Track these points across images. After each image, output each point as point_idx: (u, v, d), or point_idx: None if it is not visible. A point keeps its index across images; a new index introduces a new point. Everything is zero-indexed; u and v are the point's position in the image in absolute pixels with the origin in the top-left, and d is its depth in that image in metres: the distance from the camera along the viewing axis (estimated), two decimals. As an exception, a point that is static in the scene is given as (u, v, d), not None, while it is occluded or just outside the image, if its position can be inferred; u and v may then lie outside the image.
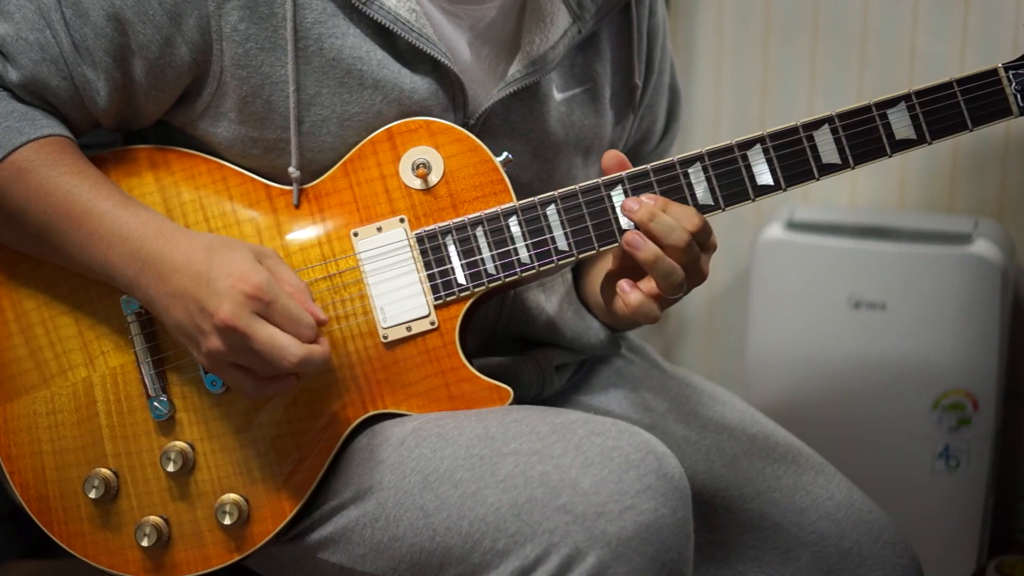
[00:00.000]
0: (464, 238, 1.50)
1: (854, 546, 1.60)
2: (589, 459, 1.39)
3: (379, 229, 1.51)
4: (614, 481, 1.37)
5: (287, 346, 1.39)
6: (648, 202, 1.46)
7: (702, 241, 1.48)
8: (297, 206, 1.53)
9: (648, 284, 1.47)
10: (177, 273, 1.43)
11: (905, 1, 2.59)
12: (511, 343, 1.68)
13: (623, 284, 1.48)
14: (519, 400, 1.54)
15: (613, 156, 1.50)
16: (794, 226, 2.55)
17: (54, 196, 1.48)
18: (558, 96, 1.61)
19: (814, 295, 2.53)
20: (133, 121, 1.57)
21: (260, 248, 1.46)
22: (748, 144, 1.48)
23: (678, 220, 1.46)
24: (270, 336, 1.39)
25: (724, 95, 2.75)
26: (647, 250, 1.45)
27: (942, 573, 2.51)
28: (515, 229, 1.50)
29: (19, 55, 1.49)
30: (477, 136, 1.52)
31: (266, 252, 1.46)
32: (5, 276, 1.56)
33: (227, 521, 1.52)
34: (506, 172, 1.51)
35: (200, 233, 1.49)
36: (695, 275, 1.48)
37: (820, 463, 1.69)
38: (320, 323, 1.43)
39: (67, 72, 1.50)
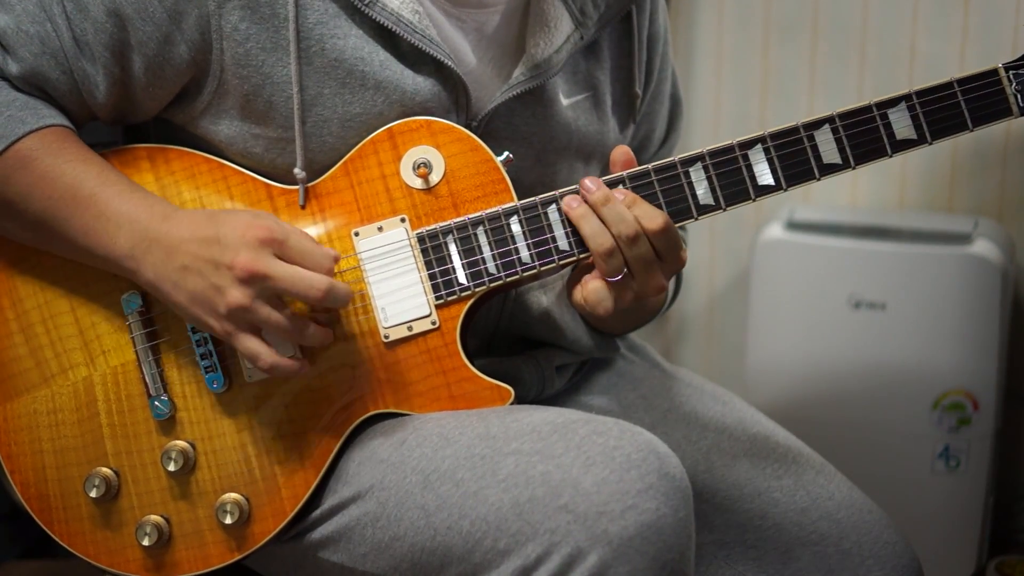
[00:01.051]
0: (465, 237, 1.50)
1: (854, 546, 1.60)
2: (591, 459, 1.39)
3: (380, 229, 1.52)
4: (615, 481, 1.36)
5: (311, 277, 1.40)
6: (607, 189, 1.48)
7: (661, 247, 1.47)
8: (303, 207, 1.53)
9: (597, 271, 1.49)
10: (185, 243, 1.43)
11: (905, 1, 2.59)
12: (512, 343, 1.68)
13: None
14: (519, 401, 1.54)
15: (622, 152, 1.50)
16: (794, 226, 2.55)
17: (60, 182, 1.48)
18: (565, 101, 1.61)
19: (814, 295, 2.53)
20: (131, 116, 1.57)
21: (256, 211, 1.48)
22: (749, 144, 1.48)
23: (638, 216, 1.46)
24: (294, 271, 1.40)
25: (724, 95, 2.75)
26: (586, 217, 1.47)
27: (942, 573, 2.52)
28: (516, 228, 1.50)
29: (19, 47, 1.50)
30: (480, 139, 1.52)
31: (263, 212, 1.47)
32: (5, 275, 1.56)
33: (228, 520, 1.52)
34: (508, 174, 1.51)
35: (202, 209, 1.50)
36: (646, 282, 1.48)
37: (820, 463, 1.69)
38: (334, 259, 1.44)
39: (67, 66, 1.50)
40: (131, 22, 1.48)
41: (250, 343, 1.45)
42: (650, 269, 1.48)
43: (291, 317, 1.44)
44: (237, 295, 1.41)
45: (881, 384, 2.51)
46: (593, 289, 1.50)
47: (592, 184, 1.48)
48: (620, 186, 1.49)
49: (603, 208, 1.46)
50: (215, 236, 1.42)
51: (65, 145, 1.50)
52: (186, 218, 1.46)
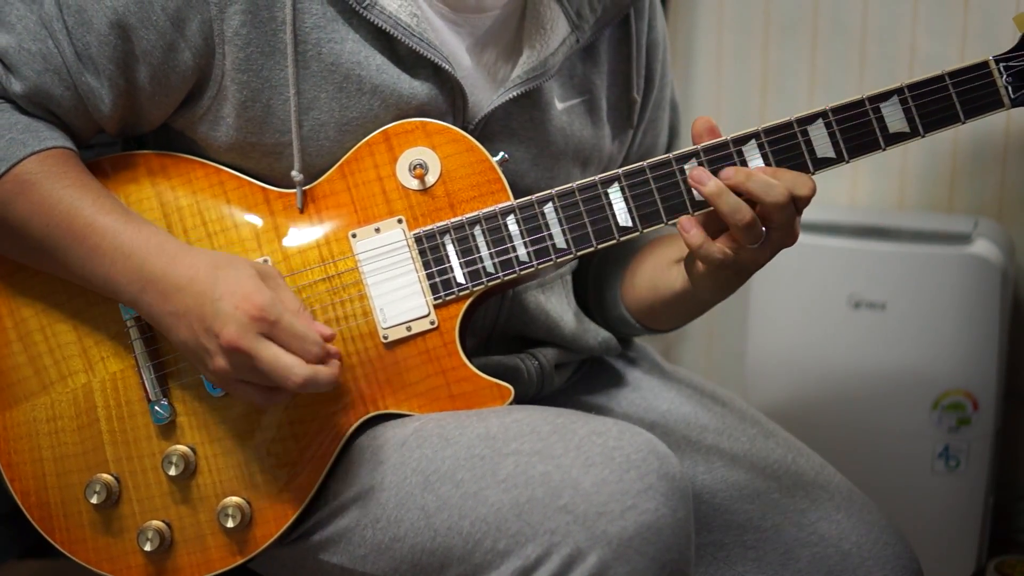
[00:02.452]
0: (462, 237, 1.51)
1: (854, 546, 1.60)
2: (590, 459, 1.39)
3: (377, 230, 1.52)
4: (615, 481, 1.36)
5: (291, 366, 1.39)
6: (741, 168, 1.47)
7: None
8: (301, 210, 1.53)
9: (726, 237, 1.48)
10: (180, 292, 1.43)
11: (905, 1, 2.59)
12: (510, 342, 1.68)
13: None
14: (518, 398, 1.54)
15: (704, 122, 1.50)
16: (794, 226, 2.55)
17: (57, 210, 1.48)
18: (559, 106, 1.61)
19: (814, 295, 2.53)
20: (137, 126, 1.57)
21: (263, 268, 1.46)
22: (743, 140, 1.48)
23: (781, 181, 1.46)
24: (275, 357, 1.39)
25: (724, 95, 2.75)
26: (711, 185, 1.45)
27: (942, 573, 2.51)
28: (513, 228, 1.50)
29: (22, 66, 1.49)
30: (476, 141, 1.52)
31: (269, 272, 1.46)
32: (3, 284, 1.56)
33: (230, 524, 1.52)
34: (504, 174, 1.51)
35: (203, 250, 1.49)
36: (789, 233, 1.49)
37: (820, 463, 1.69)
38: (327, 338, 1.43)
39: (70, 81, 1.50)
40: (135, 32, 1.48)
41: (241, 391, 1.45)
42: (793, 222, 1.48)
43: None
44: (221, 362, 1.41)
45: (881, 384, 2.51)
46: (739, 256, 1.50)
47: (729, 171, 1.46)
48: (615, 183, 1.49)
49: (748, 183, 1.45)
50: (211, 295, 1.41)
51: (65, 169, 1.50)
52: (186, 259, 1.45)
